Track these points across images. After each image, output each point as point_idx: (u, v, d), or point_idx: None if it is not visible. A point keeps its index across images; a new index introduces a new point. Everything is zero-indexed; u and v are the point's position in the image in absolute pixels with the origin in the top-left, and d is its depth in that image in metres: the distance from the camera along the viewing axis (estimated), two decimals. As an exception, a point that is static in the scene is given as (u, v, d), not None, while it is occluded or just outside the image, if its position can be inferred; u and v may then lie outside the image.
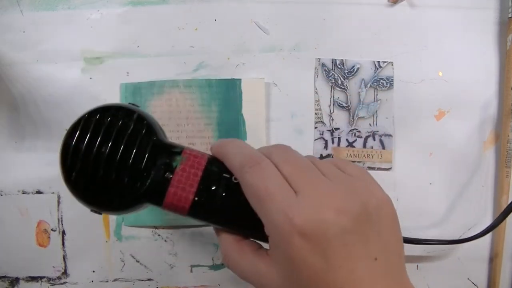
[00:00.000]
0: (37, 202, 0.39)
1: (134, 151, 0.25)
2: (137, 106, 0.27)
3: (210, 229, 0.39)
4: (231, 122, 0.38)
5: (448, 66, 0.38)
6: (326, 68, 0.34)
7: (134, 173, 0.25)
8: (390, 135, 0.37)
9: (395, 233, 0.23)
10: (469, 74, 0.38)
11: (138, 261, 0.39)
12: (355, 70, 0.35)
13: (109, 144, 0.25)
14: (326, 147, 0.36)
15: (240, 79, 0.38)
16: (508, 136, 0.37)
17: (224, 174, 0.26)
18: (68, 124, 0.38)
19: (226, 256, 0.26)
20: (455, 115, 0.38)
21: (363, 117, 0.35)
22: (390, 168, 0.38)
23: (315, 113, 0.36)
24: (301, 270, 0.21)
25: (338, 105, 0.35)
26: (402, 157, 0.38)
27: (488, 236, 0.39)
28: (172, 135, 0.38)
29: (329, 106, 0.35)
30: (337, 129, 0.35)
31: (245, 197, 0.24)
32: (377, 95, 0.35)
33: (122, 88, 0.38)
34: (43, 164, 0.39)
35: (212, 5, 0.38)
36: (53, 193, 0.39)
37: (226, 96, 0.38)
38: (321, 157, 0.36)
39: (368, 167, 0.38)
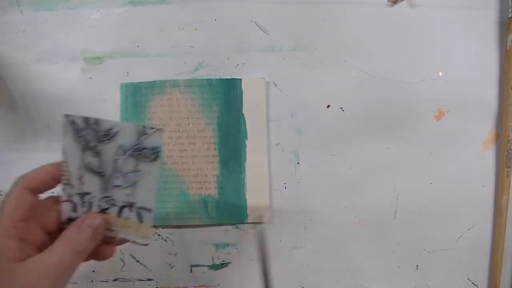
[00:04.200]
0: (37, 202, 0.39)
1: None
2: None
3: (210, 229, 0.39)
4: (231, 122, 0.38)
5: (448, 66, 0.38)
6: (76, 126, 0.29)
7: None
8: (150, 210, 0.30)
9: None
10: (469, 74, 0.38)
11: (138, 261, 0.39)
12: (112, 134, 0.29)
13: None
14: (75, 209, 0.30)
15: (240, 79, 0.38)
16: (508, 136, 0.37)
17: None
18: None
19: None
20: (455, 115, 0.38)
21: (119, 186, 0.30)
22: (147, 245, 0.31)
23: (63, 173, 0.30)
24: None
25: (89, 169, 0.29)
26: (402, 157, 0.39)
27: (488, 236, 0.39)
28: (173, 135, 0.38)
29: (78, 169, 0.30)
30: (88, 193, 0.30)
31: None
32: (138, 165, 0.31)
33: (123, 88, 0.38)
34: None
35: (212, 5, 0.38)
36: (52, 193, 0.39)
37: (226, 95, 0.38)
38: (70, 219, 0.30)
39: (122, 237, 0.31)
